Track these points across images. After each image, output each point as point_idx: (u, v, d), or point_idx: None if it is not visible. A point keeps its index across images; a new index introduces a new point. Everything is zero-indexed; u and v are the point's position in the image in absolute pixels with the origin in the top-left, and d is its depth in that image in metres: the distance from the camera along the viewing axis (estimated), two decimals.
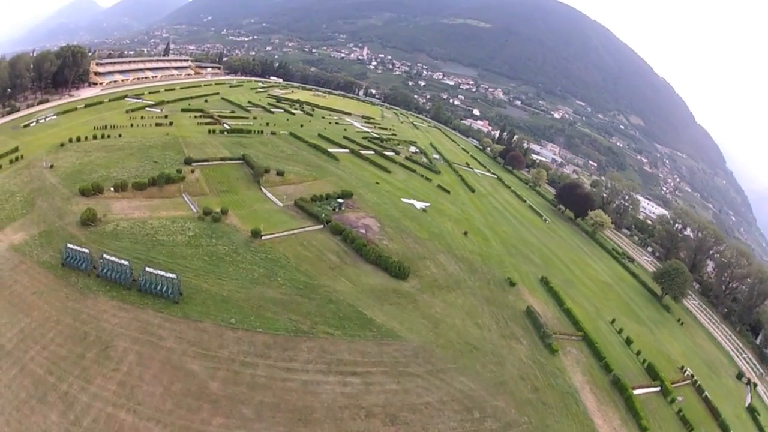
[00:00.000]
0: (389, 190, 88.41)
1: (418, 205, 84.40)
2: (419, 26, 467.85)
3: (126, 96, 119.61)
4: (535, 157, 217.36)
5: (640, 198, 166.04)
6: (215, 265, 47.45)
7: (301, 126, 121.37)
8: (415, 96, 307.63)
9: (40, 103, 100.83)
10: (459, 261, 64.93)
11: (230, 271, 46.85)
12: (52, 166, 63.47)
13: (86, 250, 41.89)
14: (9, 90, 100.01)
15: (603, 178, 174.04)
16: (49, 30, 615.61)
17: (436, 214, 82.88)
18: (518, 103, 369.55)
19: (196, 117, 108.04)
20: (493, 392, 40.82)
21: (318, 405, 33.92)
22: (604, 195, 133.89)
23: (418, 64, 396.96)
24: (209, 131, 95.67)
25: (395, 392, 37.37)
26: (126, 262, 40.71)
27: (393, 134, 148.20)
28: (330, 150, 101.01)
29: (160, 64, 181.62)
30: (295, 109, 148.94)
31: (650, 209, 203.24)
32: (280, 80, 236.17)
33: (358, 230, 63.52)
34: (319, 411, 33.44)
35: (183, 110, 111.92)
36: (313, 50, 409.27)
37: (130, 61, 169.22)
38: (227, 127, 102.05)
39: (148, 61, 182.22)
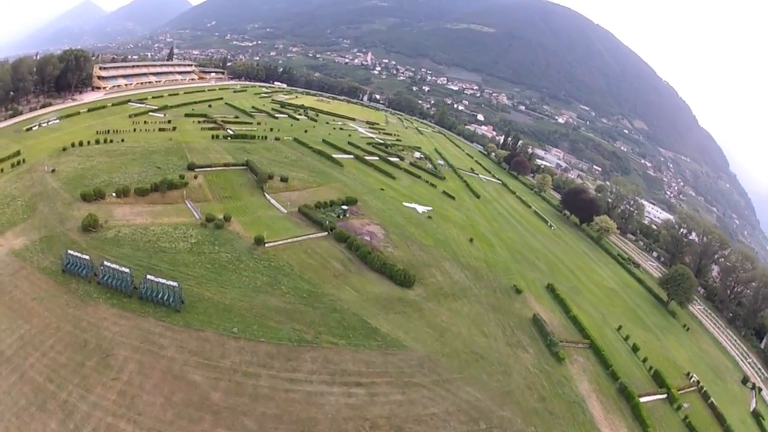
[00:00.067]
0: (394, 196, 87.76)
1: (420, 209, 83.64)
2: (423, 31, 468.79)
3: (129, 100, 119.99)
4: (539, 162, 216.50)
5: (645, 202, 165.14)
6: (218, 272, 46.82)
7: (305, 131, 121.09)
8: (420, 101, 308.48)
9: (43, 106, 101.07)
10: (464, 268, 64.16)
11: (233, 279, 46.25)
12: (53, 171, 63.29)
13: (87, 257, 41.44)
14: (12, 93, 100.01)
15: (608, 182, 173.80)
16: (53, 33, 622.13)
17: (441, 220, 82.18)
18: (522, 107, 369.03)
19: (199, 122, 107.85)
20: (499, 402, 40.09)
21: (322, 417, 33.25)
22: (609, 200, 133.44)
23: (422, 69, 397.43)
24: (213, 136, 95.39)
25: (400, 403, 36.64)
26: (127, 270, 40.24)
27: (397, 140, 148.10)
28: (334, 156, 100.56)
29: (164, 69, 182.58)
30: (300, 114, 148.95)
31: (655, 213, 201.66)
32: (284, 85, 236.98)
33: (363, 237, 62.75)
34: (322, 423, 32.78)
35: (186, 115, 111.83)
36: (317, 55, 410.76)
37: (133, 66, 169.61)
38: (231, 132, 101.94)
39: (152, 65, 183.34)
